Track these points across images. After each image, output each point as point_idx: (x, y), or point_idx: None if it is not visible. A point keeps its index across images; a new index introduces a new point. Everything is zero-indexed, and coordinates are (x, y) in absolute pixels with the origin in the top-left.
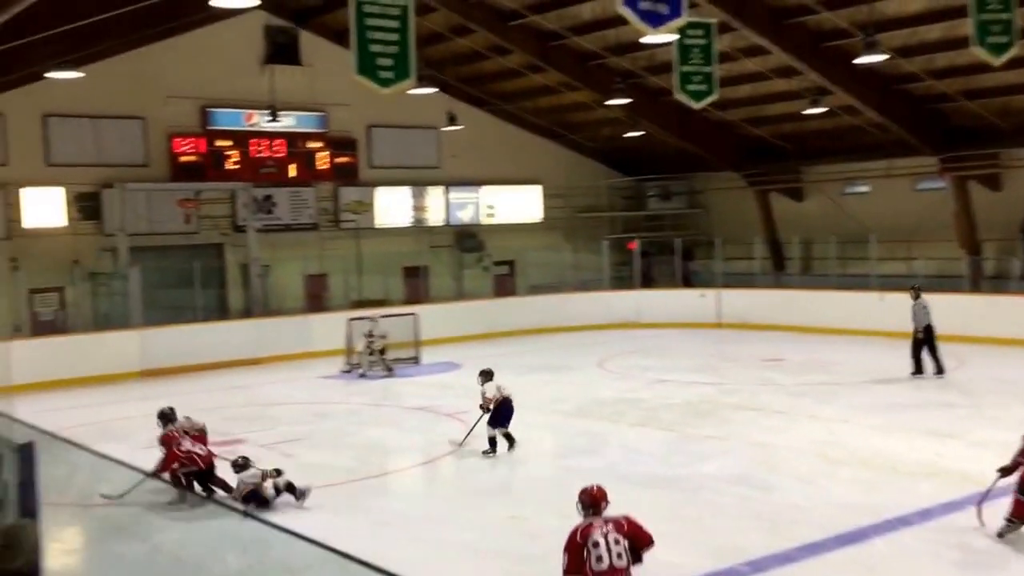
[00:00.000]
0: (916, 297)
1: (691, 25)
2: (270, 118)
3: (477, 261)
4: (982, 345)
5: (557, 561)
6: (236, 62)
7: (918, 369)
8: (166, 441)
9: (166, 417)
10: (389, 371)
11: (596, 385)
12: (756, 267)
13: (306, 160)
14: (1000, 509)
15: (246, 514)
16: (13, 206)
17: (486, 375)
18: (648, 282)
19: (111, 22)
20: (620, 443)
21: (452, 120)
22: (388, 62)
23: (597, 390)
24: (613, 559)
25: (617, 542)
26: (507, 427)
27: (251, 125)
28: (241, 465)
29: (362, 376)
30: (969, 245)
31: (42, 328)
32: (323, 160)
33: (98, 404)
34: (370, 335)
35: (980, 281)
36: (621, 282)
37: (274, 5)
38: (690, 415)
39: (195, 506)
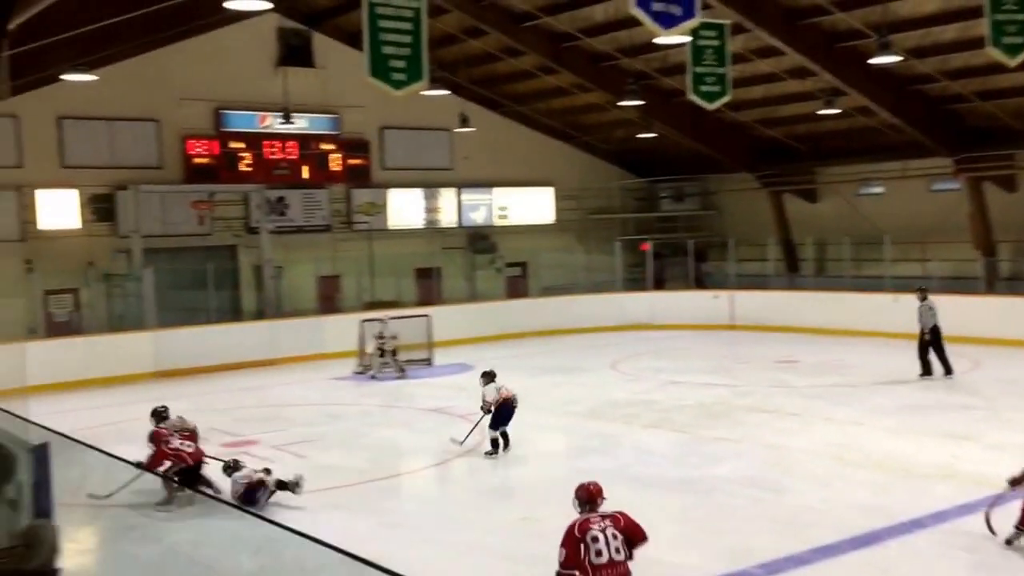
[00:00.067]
0: (923, 298)
1: (704, 26)
2: (283, 120)
3: (490, 263)
4: (998, 347)
5: None
6: (249, 64)
7: (926, 370)
8: (155, 437)
9: (159, 415)
10: (401, 372)
11: (609, 387)
12: (770, 268)
13: (319, 162)
14: (1010, 515)
15: (257, 515)
16: (28, 208)
17: (487, 376)
18: (661, 284)
19: (125, 25)
20: (633, 445)
21: (464, 122)
22: (401, 64)
23: (610, 392)
24: (612, 553)
25: (615, 537)
26: (502, 428)
27: (264, 127)
28: (232, 467)
29: (373, 378)
30: (984, 246)
31: (57, 329)
32: (336, 162)
33: (112, 405)
34: (381, 336)
35: (995, 283)
36: (634, 284)
37: (287, 7)
38: (703, 417)
39: (183, 506)
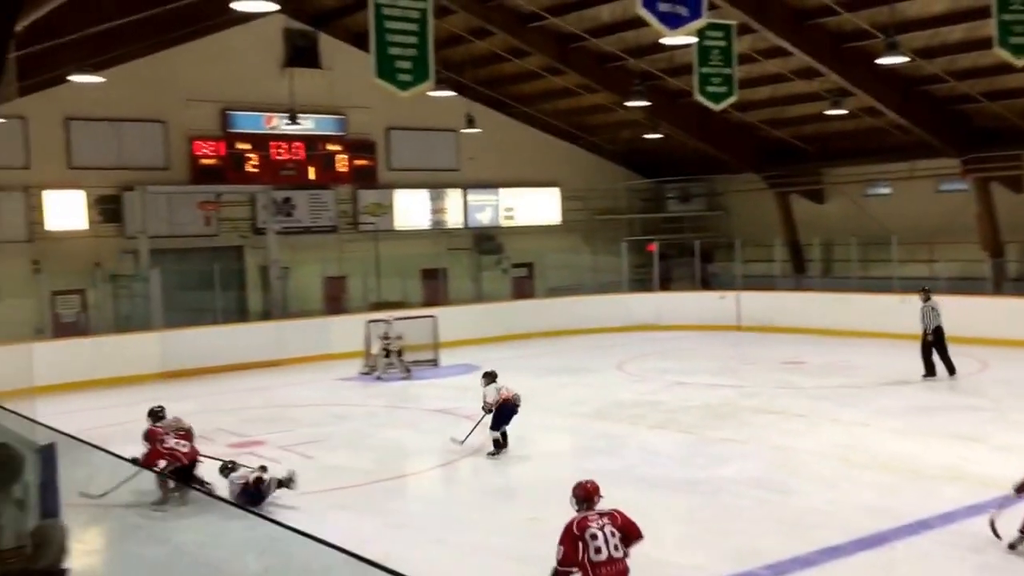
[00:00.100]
0: (926, 299)
1: (711, 27)
2: (289, 121)
3: (496, 263)
4: (1005, 348)
5: None
6: (256, 65)
7: (930, 371)
8: (150, 436)
9: (155, 415)
10: (407, 372)
11: (615, 387)
12: (776, 269)
13: (325, 163)
14: (1015, 519)
15: (263, 516)
16: (35, 209)
17: (488, 377)
18: (667, 284)
19: (132, 26)
20: (639, 445)
21: (471, 122)
22: (407, 65)
23: (616, 392)
24: (611, 551)
25: (613, 534)
26: (503, 429)
27: (271, 128)
28: (229, 468)
29: (378, 378)
30: (992, 247)
31: (64, 330)
32: (342, 163)
33: (119, 405)
34: (386, 337)
35: (1003, 283)
36: (640, 284)
37: (294, 9)
38: (709, 418)
39: (178, 505)
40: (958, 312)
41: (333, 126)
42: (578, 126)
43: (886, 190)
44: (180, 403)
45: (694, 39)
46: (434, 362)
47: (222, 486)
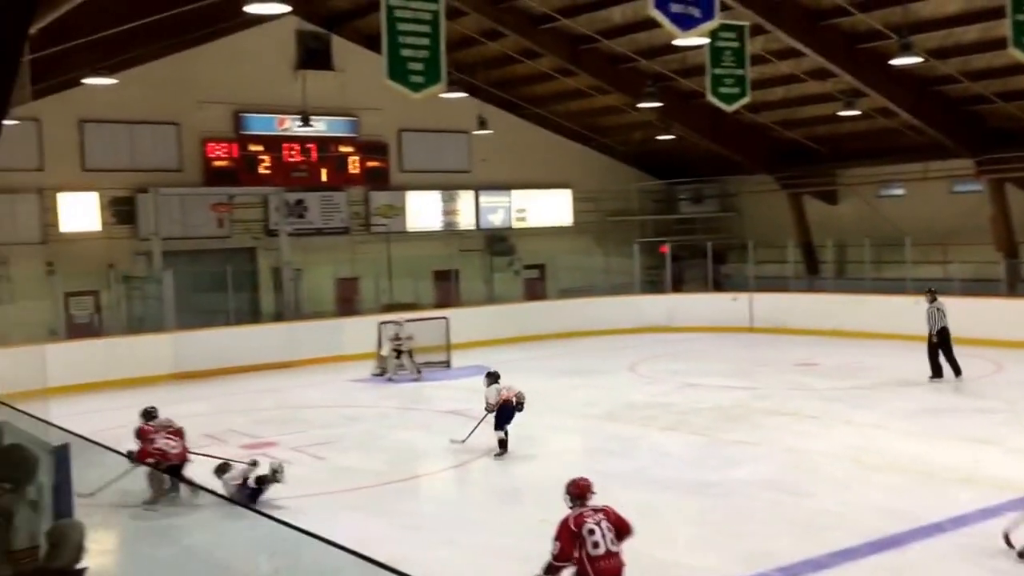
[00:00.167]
0: (932, 300)
1: (723, 27)
2: (302, 123)
3: (508, 265)
4: (1019, 350)
5: None
6: (269, 67)
7: (936, 373)
8: (141, 434)
9: (147, 414)
10: (418, 373)
11: (627, 389)
12: (789, 271)
13: (337, 164)
14: None
15: (273, 518)
16: (49, 210)
17: (491, 377)
18: (679, 286)
19: (146, 29)
20: (651, 447)
21: (483, 124)
22: (419, 67)
23: (628, 394)
24: (608, 545)
25: (609, 529)
26: (505, 429)
27: (283, 130)
28: (222, 470)
29: (389, 380)
30: (1006, 248)
31: (77, 331)
32: (354, 164)
33: (132, 406)
34: (397, 338)
35: (1017, 285)
36: (652, 286)
37: (306, 11)
38: (722, 419)
39: (169, 505)
40: (972, 314)
41: (345, 128)
42: (590, 127)
43: (900, 191)
44: (192, 404)
45: (706, 40)
46: (446, 364)
47: (216, 487)
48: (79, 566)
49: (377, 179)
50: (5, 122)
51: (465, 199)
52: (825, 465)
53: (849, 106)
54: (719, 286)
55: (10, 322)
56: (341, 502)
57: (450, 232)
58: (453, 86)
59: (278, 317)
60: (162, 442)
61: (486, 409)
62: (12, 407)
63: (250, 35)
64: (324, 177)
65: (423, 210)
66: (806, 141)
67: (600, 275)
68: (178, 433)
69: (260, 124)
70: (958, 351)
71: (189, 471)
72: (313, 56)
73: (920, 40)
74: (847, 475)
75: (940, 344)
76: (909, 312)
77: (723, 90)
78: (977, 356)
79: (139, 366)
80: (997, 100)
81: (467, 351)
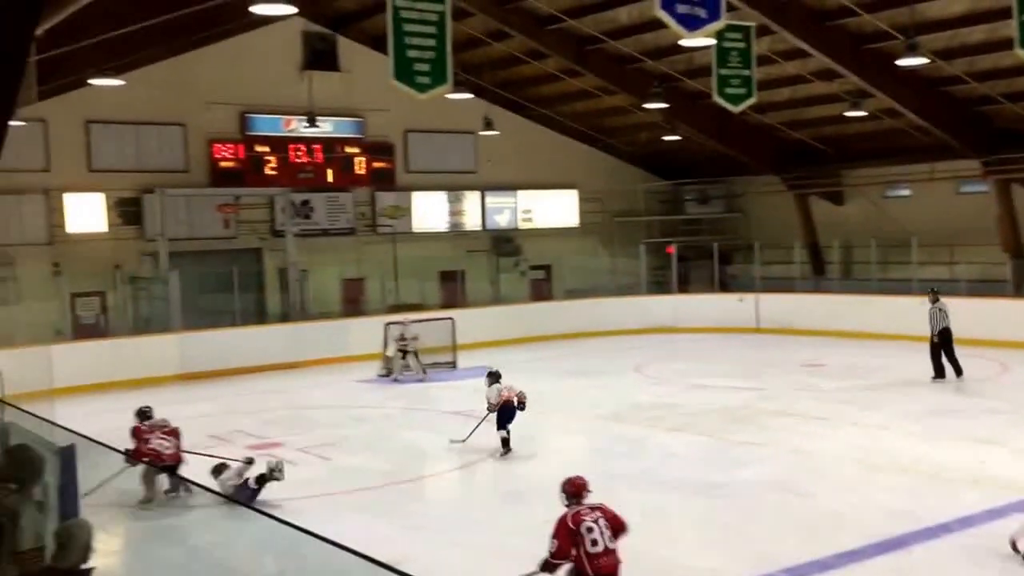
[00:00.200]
0: (934, 300)
1: (729, 28)
2: (308, 124)
3: (514, 266)
4: None
5: None
6: (275, 68)
7: (939, 373)
8: (136, 434)
9: (142, 414)
10: (423, 374)
11: (633, 390)
12: (795, 271)
13: (343, 165)
14: None
15: (280, 520)
16: (56, 211)
17: (492, 377)
18: (685, 286)
19: (152, 30)
20: (657, 448)
21: (489, 125)
22: (425, 67)
23: (634, 395)
24: (606, 542)
25: (606, 527)
26: (507, 429)
27: (289, 131)
28: (218, 469)
29: (395, 380)
30: (1012, 249)
31: (83, 332)
32: (360, 165)
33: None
34: (402, 338)
35: (1023, 285)
36: (658, 287)
37: (312, 12)
38: (728, 420)
39: (162, 505)
40: (978, 314)
41: (351, 129)
42: (596, 128)
43: (906, 192)
44: (198, 405)
45: (713, 41)
46: (452, 364)
47: (216, 487)
48: (86, 566)
49: (383, 180)
50: (11, 123)
51: (471, 200)
52: (831, 466)
53: (855, 107)
54: (725, 287)
55: (16, 323)
56: (347, 503)
57: (456, 233)
58: (459, 87)
59: (284, 318)
60: (156, 442)
61: (487, 409)
62: (18, 408)
63: (256, 36)
64: (330, 178)
65: (429, 211)
66: (812, 142)
67: (606, 276)
68: (173, 433)
69: (266, 125)
70: (965, 351)
71: (189, 471)
72: (319, 57)
73: (926, 41)
74: (853, 476)
75: (941, 344)
76: (915, 313)
77: (729, 91)
78: (983, 357)
79: (145, 367)
80: (1003, 101)
81: (473, 352)
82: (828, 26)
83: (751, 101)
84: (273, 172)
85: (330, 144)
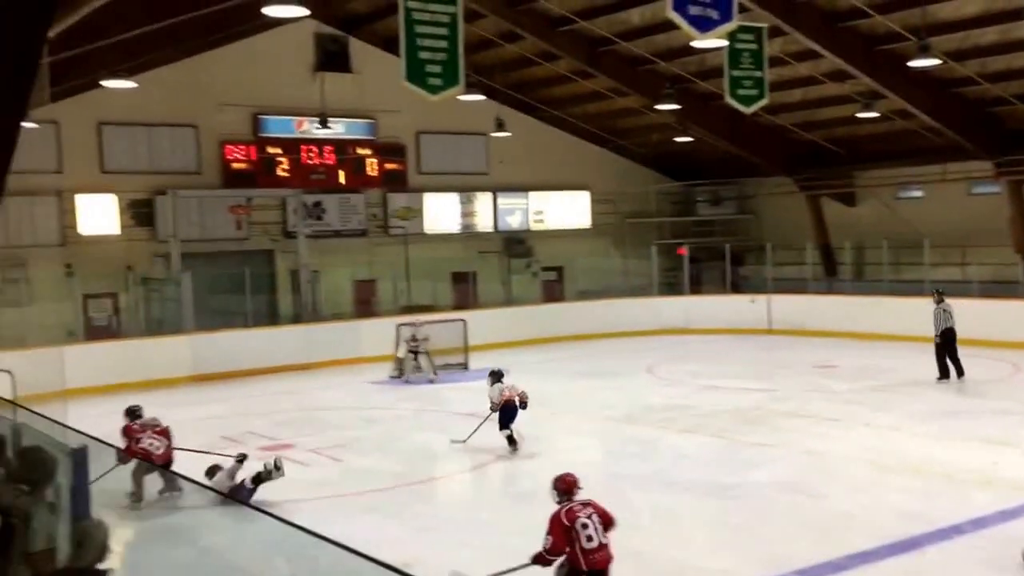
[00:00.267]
0: (939, 301)
1: (741, 29)
2: (320, 125)
3: (526, 267)
4: None
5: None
6: (287, 70)
7: (943, 374)
8: (127, 433)
9: (132, 413)
10: (434, 375)
11: (645, 391)
12: (807, 272)
13: (355, 166)
14: None
15: (289, 523)
16: (68, 213)
17: (494, 376)
18: (697, 288)
19: (164, 32)
20: (669, 449)
21: (500, 126)
22: (437, 69)
23: (646, 396)
24: (600, 538)
25: (599, 523)
26: (510, 428)
27: (301, 132)
28: (212, 471)
29: (406, 381)
30: None
31: (96, 333)
32: (372, 166)
33: (150, 408)
34: (414, 339)
35: None
36: (670, 288)
37: (324, 14)
38: (740, 422)
39: (149, 505)
40: (990, 315)
41: (363, 130)
42: (608, 129)
43: (918, 193)
44: (210, 406)
45: (725, 42)
46: (464, 366)
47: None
48: (103, 566)
49: (395, 181)
50: (24, 124)
51: (483, 201)
52: (844, 467)
53: (867, 108)
54: (737, 288)
55: (29, 324)
56: (358, 504)
57: (468, 234)
58: (471, 88)
59: (296, 319)
60: (147, 442)
61: (490, 408)
62: (30, 410)
63: (268, 38)
64: (342, 179)
65: (441, 212)
66: (824, 143)
67: (618, 277)
68: (164, 433)
69: (278, 126)
70: (977, 353)
71: (187, 471)
72: (331, 58)
73: (938, 42)
74: (866, 477)
75: (944, 345)
76: (927, 314)
77: (741, 92)
78: (995, 358)
79: (157, 368)
80: (1016, 102)
81: (485, 353)
82: (840, 27)
83: (763, 102)
84: (285, 173)
85: (342, 145)
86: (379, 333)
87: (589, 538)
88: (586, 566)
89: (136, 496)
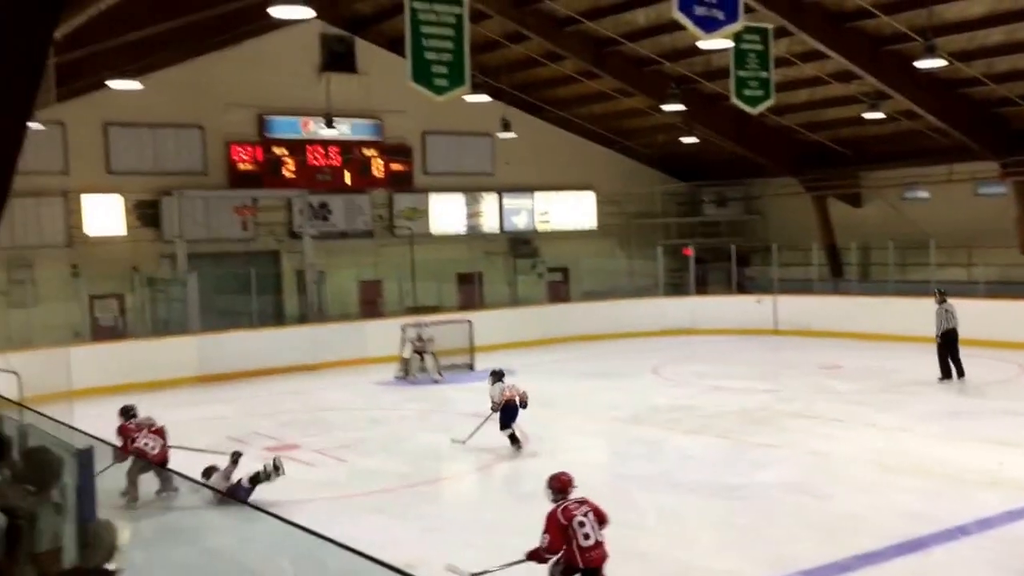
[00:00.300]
0: (941, 301)
1: (747, 30)
2: (326, 126)
3: (531, 268)
4: None
5: (612, 566)
6: (293, 70)
7: (945, 374)
8: (122, 432)
9: (126, 412)
10: (439, 375)
11: (651, 392)
12: (813, 273)
13: (361, 167)
14: None
15: (295, 525)
16: (74, 213)
17: (495, 376)
18: (703, 288)
19: (170, 33)
20: (675, 450)
21: (506, 127)
22: (443, 69)
23: (652, 397)
24: (596, 535)
25: (595, 520)
26: (511, 427)
27: (307, 133)
28: (207, 472)
29: (412, 383)
30: None
31: (102, 334)
32: (378, 167)
33: (156, 409)
34: (419, 339)
35: None
36: (676, 289)
37: (330, 14)
38: (746, 422)
39: (147, 506)
40: (996, 316)
41: (369, 131)
42: (614, 130)
43: (924, 194)
44: (216, 407)
45: (730, 43)
46: (469, 366)
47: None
48: (112, 567)
49: (401, 182)
50: (30, 125)
51: (488, 202)
52: (849, 468)
53: (873, 108)
54: (743, 289)
55: (35, 325)
56: (363, 504)
57: (473, 235)
58: (477, 89)
59: (302, 319)
60: (142, 441)
61: (491, 408)
62: (36, 411)
63: (274, 38)
64: (348, 180)
65: (446, 213)
66: (830, 143)
67: (624, 278)
68: (159, 432)
69: (284, 127)
70: (983, 353)
71: (185, 470)
72: (337, 59)
73: (944, 43)
74: (871, 478)
75: (945, 345)
76: (932, 315)
77: (747, 92)
78: (1001, 359)
79: (163, 369)
80: (1022, 103)
81: (491, 354)
82: (846, 28)
83: (769, 103)
84: (291, 174)
85: (348, 146)
86: (385, 334)
87: (586, 536)
88: (583, 564)
89: (131, 496)
